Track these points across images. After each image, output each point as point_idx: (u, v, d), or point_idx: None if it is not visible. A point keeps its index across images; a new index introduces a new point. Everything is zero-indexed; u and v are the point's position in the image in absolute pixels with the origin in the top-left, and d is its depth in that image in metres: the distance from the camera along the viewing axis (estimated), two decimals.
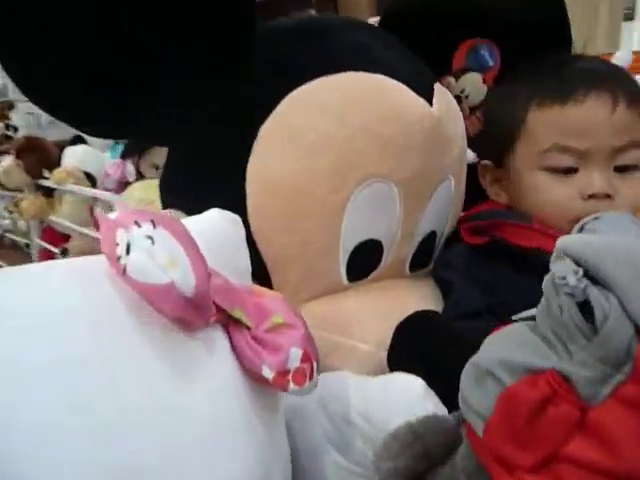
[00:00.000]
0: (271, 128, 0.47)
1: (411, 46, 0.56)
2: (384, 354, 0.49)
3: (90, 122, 0.49)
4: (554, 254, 0.33)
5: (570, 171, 0.51)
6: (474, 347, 0.48)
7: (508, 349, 0.31)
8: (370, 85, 0.47)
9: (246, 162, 0.48)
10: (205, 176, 0.51)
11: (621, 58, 1.11)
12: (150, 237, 0.28)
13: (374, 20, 1.04)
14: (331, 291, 0.52)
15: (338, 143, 0.46)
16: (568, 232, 0.51)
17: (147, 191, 1.40)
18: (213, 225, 0.44)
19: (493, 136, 0.58)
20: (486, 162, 0.58)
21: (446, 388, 0.47)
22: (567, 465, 0.27)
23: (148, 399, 0.29)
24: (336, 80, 0.47)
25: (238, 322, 0.35)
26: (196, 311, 0.30)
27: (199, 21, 0.46)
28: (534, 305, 0.52)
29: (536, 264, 0.50)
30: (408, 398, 0.41)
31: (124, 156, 1.78)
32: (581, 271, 0.28)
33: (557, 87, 0.52)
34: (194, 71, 0.49)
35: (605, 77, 0.53)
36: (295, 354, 0.35)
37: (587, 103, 0.50)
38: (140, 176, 1.74)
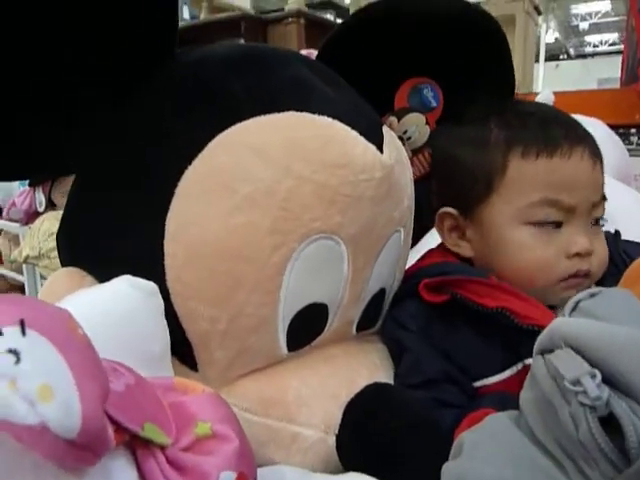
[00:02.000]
0: (196, 175, 0.39)
1: (350, 81, 0.50)
2: (333, 440, 0.42)
3: None
4: (547, 337, 0.28)
5: (556, 226, 0.48)
6: (438, 430, 0.42)
7: (504, 467, 0.25)
8: (316, 129, 0.40)
9: (164, 216, 0.39)
10: (114, 229, 0.42)
11: (546, 98, 1.13)
12: (14, 351, 0.19)
13: (306, 52, 0.99)
14: (268, 364, 0.44)
15: (280, 195, 0.39)
16: (545, 292, 0.48)
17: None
18: (123, 297, 0.35)
19: (457, 183, 0.53)
20: (449, 210, 0.53)
21: (404, 477, 0.40)
22: None
23: None
24: (277, 121, 0.40)
25: (149, 442, 0.26)
26: (84, 453, 0.21)
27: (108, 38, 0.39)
28: (495, 370, 0.48)
29: (499, 326, 0.46)
30: None
31: (33, 183, 1.59)
32: (599, 375, 0.22)
33: (541, 137, 0.48)
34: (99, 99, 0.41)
35: (581, 130, 0.51)
36: None
37: (573, 158, 0.48)
38: (51, 206, 1.57)
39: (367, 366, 0.47)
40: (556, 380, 0.24)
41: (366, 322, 0.50)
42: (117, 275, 0.36)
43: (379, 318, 0.52)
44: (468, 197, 0.52)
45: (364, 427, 0.41)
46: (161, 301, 0.37)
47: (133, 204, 0.41)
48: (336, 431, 0.42)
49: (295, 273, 0.41)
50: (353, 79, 0.51)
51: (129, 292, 0.35)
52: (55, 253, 0.49)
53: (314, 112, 0.41)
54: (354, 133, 0.41)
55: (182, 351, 0.41)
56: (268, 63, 0.45)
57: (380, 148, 0.43)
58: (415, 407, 0.42)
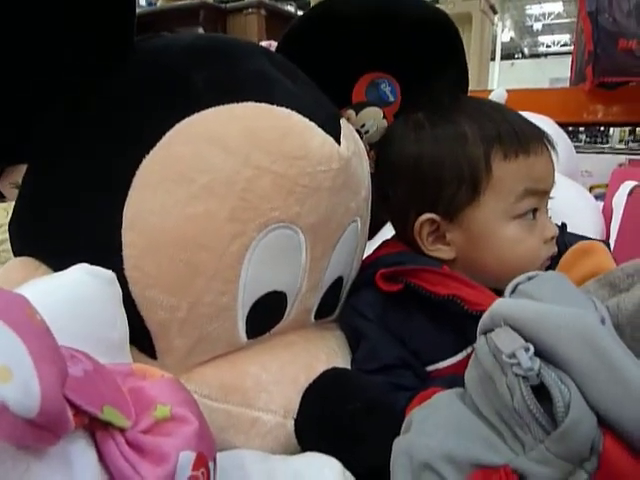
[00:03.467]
0: (154, 164, 0.39)
1: (309, 74, 0.51)
2: (291, 424, 0.43)
3: None
4: (488, 318, 0.29)
5: (534, 215, 0.52)
6: (393, 412, 0.43)
7: (447, 437, 0.27)
8: (275, 120, 0.41)
9: (122, 204, 0.39)
10: (70, 217, 0.41)
11: (498, 96, 1.17)
12: None
13: (266, 44, 0.99)
14: (228, 351, 0.45)
15: (239, 185, 0.40)
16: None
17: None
18: (80, 285, 0.35)
19: (438, 187, 0.52)
20: (431, 216, 0.52)
21: (362, 459, 0.42)
22: None
23: None
24: (236, 111, 0.41)
25: (108, 425, 0.27)
26: (43, 432, 0.21)
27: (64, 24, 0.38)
28: (447, 354, 0.50)
29: (450, 313, 0.48)
30: None
31: None
32: (532, 349, 0.24)
33: (515, 137, 0.51)
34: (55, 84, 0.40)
35: (538, 127, 0.55)
36: (186, 460, 0.28)
37: (543, 154, 0.52)
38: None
39: (325, 352, 0.48)
40: (495, 356, 0.26)
41: (324, 310, 0.51)
42: (73, 264, 0.36)
43: (337, 306, 0.54)
44: (453, 200, 0.51)
45: (322, 410, 0.43)
46: (119, 289, 0.37)
47: (90, 193, 0.41)
48: (295, 415, 0.43)
49: (254, 262, 0.42)
50: (312, 72, 0.52)
51: (86, 280, 0.35)
52: (5, 246, 0.48)
53: (274, 104, 0.42)
54: (312, 125, 0.42)
55: (141, 339, 0.41)
56: (231, 54, 0.46)
57: (338, 140, 0.44)
58: (371, 390, 0.44)
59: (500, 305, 0.28)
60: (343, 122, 0.47)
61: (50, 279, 0.35)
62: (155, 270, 0.40)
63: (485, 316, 0.30)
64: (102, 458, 0.27)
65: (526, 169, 0.51)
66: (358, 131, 0.65)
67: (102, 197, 0.40)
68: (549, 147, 0.54)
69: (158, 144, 0.40)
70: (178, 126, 0.40)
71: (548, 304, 0.26)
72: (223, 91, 0.41)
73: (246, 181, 0.40)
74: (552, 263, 0.55)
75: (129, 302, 0.40)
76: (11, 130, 0.43)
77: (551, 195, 0.55)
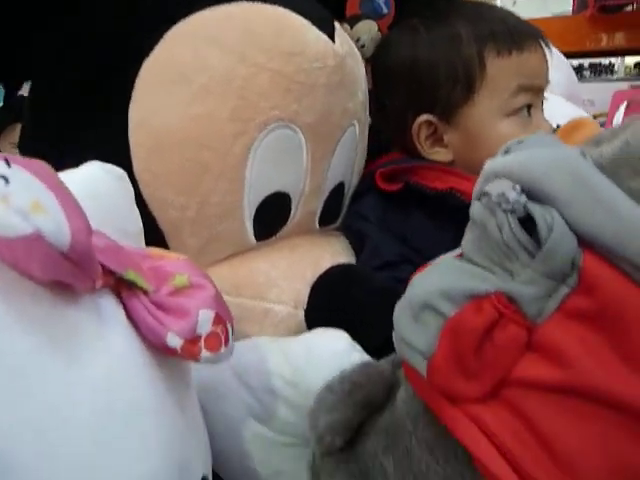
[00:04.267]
0: (154, 66, 0.41)
1: None
2: (302, 314, 0.46)
3: None
4: (482, 178, 0.31)
5: (529, 111, 0.52)
6: (399, 296, 0.46)
7: (444, 279, 0.29)
8: (270, 18, 0.42)
9: (127, 107, 0.41)
10: (78, 127, 0.43)
11: None
12: (2, 176, 0.21)
13: None
14: (238, 252, 0.47)
15: (236, 84, 0.41)
16: None
17: None
18: (93, 180, 0.37)
19: (433, 88, 0.53)
20: (429, 117, 0.53)
21: (371, 339, 0.44)
22: (517, 388, 0.25)
23: (22, 382, 0.22)
24: (231, 10, 0.42)
25: (133, 286, 0.29)
26: (76, 269, 0.23)
27: None
28: (449, 250, 0.53)
29: (449, 206, 0.50)
30: (334, 353, 0.38)
31: None
32: (519, 186, 0.26)
33: (508, 34, 0.52)
34: None
35: (532, 26, 0.55)
36: (206, 317, 0.30)
37: (537, 50, 0.53)
38: None
39: (330, 252, 0.51)
40: (486, 204, 0.28)
41: (328, 216, 0.53)
42: None
43: (340, 213, 0.56)
44: (449, 101, 0.53)
45: (330, 299, 0.45)
46: (130, 186, 0.39)
47: (96, 99, 0.42)
48: (304, 306, 0.46)
49: (257, 162, 0.43)
50: None
51: (100, 175, 0.37)
52: None
53: (267, 2, 0.43)
54: (307, 22, 0.43)
55: (155, 240, 0.44)
56: None
57: (332, 38, 0.45)
58: (375, 280, 0.46)
59: (489, 164, 0.30)
60: (337, 25, 0.48)
61: (64, 174, 0.37)
62: (163, 170, 0.42)
63: (477, 182, 0.31)
64: (129, 315, 0.29)
65: (519, 65, 0.52)
66: None
67: (108, 102, 0.41)
68: (543, 45, 0.54)
69: (157, 46, 0.41)
70: (175, 28, 0.41)
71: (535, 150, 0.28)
72: None
73: (243, 79, 0.41)
74: None
75: (141, 203, 0.42)
76: (11, 46, 0.44)
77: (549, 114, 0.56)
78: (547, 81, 0.55)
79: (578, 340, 0.24)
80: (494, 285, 0.26)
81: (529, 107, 0.53)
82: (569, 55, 1.53)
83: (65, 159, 0.44)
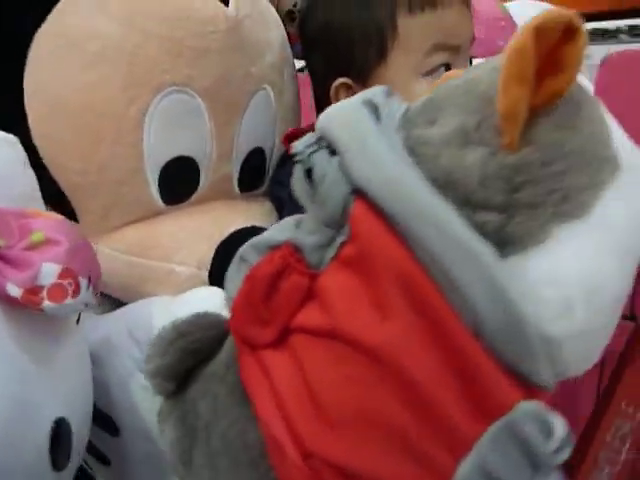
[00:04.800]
0: (47, 34, 0.42)
1: None
2: (206, 274, 0.47)
3: None
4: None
5: (447, 69, 0.50)
6: None
7: (267, 233, 0.30)
8: None
9: (21, 75, 0.42)
10: None
11: None
12: None
13: None
14: (148, 216, 0.49)
15: (127, 50, 0.42)
16: None
17: None
18: None
19: (348, 50, 0.52)
20: (345, 80, 0.53)
21: None
22: (298, 334, 0.26)
23: None
24: None
25: None
26: None
27: None
28: None
29: None
30: (209, 306, 0.39)
31: None
32: (311, 139, 0.27)
33: None
34: None
35: None
36: (49, 270, 0.32)
37: (453, 6, 0.51)
38: None
39: (245, 217, 0.52)
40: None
41: (248, 181, 0.54)
42: None
43: (263, 179, 0.56)
44: (363, 62, 0.52)
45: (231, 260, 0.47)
46: (20, 151, 0.41)
47: None
48: (208, 267, 0.47)
49: (154, 126, 0.45)
50: None
51: None
52: None
53: None
54: None
55: (61, 203, 0.46)
56: None
57: (225, 1, 0.45)
58: None
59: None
60: None
61: None
62: (61, 137, 0.44)
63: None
64: None
65: (434, 23, 0.50)
66: (291, 11, 0.65)
67: (1, 71, 0.43)
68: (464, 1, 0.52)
69: (49, 16, 0.42)
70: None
71: None
72: None
73: (134, 46, 0.42)
74: None
75: (42, 168, 0.44)
76: None
77: None
78: (468, 39, 0.53)
79: (341, 287, 0.24)
80: (287, 235, 0.27)
81: (447, 66, 0.52)
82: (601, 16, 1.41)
83: None
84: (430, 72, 0.51)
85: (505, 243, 0.22)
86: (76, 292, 0.33)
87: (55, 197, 0.45)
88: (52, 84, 0.42)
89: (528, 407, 0.21)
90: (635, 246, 0.22)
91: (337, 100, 0.54)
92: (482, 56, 1.24)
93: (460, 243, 0.21)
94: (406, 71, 0.51)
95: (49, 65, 0.42)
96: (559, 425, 0.21)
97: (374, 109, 0.26)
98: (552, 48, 0.21)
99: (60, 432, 0.34)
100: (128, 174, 0.46)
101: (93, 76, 0.42)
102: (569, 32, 0.21)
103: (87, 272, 0.35)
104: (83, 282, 0.34)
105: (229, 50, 0.45)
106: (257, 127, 0.52)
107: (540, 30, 0.20)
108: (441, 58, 0.51)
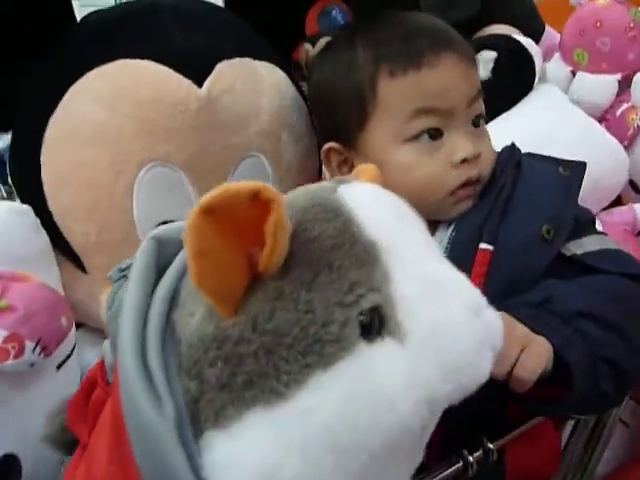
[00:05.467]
0: (58, 119, 0.50)
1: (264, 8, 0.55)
2: None
3: None
4: None
5: (436, 136, 0.47)
6: None
7: None
8: (134, 72, 0.48)
9: (39, 152, 0.51)
10: (20, 168, 0.55)
11: None
12: None
13: None
14: None
15: (112, 132, 0.48)
16: (437, 209, 0.47)
17: None
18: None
19: (334, 113, 0.51)
20: (332, 144, 0.52)
21: None
22: None
23: None
24: (107, 70, 0.49)
25: None
26: None
27: None
28: None
29: None
30: None
31: None
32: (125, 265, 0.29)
33: (405, 52, 0.47)
34: None
35: (446, 35, 0.49)
36: None
37: (441, 65, 0.47)
38: None
39: None
40: None
41: None
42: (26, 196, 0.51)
43: None
44: (347, 127, 0.50)
45: None
46: (30, 219, 0.50)
47: (25, 145, 0.54)
48: None
49: (142, 196, 0.50)
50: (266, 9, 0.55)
51: (3, 212, 0.49)
52: None
53: (143, 58, 0.48)
54: (170, 72, 0.48)
55: (74, 259, 0.54)
56: (133, 18, 0.53)
57: (200, 83, 0.48)
58: None
59: None
60: (227, 64, 0.50)
61: None
62: (66, 204, 0.51)
63: None
64: None
65: (416, 86, 0.47)
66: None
67: (29, 148, 0.52)
68: (460, 57, 0.48)
69: (59, 104, 0.50)
70: (73, 87, 0.50)
71: None
72: (101, 53, 0.49)
73: (117, 128, 0.48)
74: (490, 188, 0.49)
75: (56, 230, 0.52)
76: None
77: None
78: (465, 99, 0.48)
79: (104, 416, 0.26)
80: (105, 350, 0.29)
81: (438, 131, 0.47)
82: None
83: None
84: (413, 138, 0.47)
85: (201, 415, 0.21)
86: (18, 354, 0.40)
87: (70, 253, 0.54)
88: (57, 161, 0.51)
89: None
90: (353, 440, 0.19)
91: (329, 165, 0.53)
92: (608, 72, 1.09)
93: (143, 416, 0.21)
94: (387, 137, 0.48)
95: (56, 145, 0.50)
96: None
97: None
98: (256, 219, 0.20)
99: (7, 467, 0.41)
100: (123, 236, 0.52)
101: (87, 154, 0.49)
102: (261, 205, 0.19)
103: (38, 336, 0.41)
104: (29, 345, 0.41)
105: (202, 127, 0.49)
106: None
107: (210, 210, 0.19)
108: (424, 123, 0.47)
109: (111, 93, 0.48)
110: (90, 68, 0.49)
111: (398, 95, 0.47)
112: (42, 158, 0.51)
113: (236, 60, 0.52)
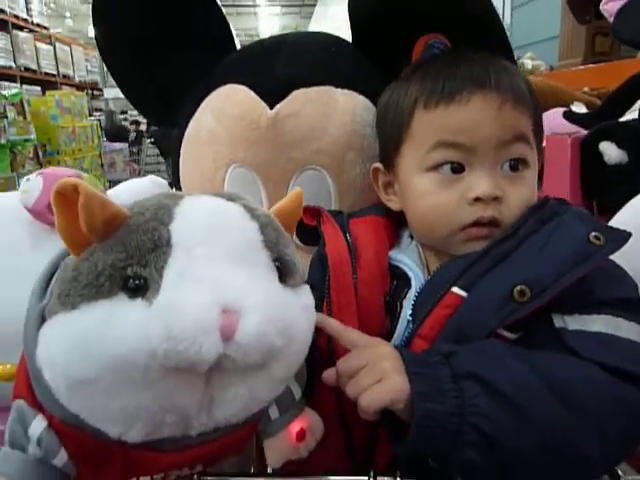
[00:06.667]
0: (193, 122, 0.69)
1: (374, 44, 0.66)
2: None
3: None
4: None
5: (457, 170, 0.49)
6: None
7: None
8: (234, 94, 0.63)
9: (181, 143, 0.71)
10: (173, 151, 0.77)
11: None
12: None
13: None
14: None
15: (215, 138, 0.65)
16: (448, 243, 0.49)
17: None
18: (142, 185, 0.71)
19: (383, 137, 0.58)
20: (377, 165, 0.58)
21: None
22: None
23: None
24: (222, 91, 0.66)
25: None
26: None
27: None
28: None
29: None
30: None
31: None
32: None
33: (442, 88, 0.50)
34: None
35: (491, 77, 0.50)
36: None
37: (472, 104, 0.49)
38: None
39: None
40: None
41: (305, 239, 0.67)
42: None
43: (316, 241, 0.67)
44: (388, 150, 0.56)
45: None
46: (166, 188, 0.71)
47: (176, 140, 0.74)
48: None
49: (229, 188, 0.66)
50: (382, 39, 0.65)
51: (147, 183, 0.71)
52: None
53: (241, 84, 0.63)
54: (254, 96, 0.61)
55: None
56: (265, 49, 0.69)
57: (272, 105, 0.60)
58: None
59: None
60: (302, 92, 0.61)
61: (128, 182, 0.72)
62: (187, 184, 0.71)
63: None
64: None
65: (443, 119, 0.49)
66: None
67: (178, 141, 0.73)
68: (499, 95, 0.49)
69: (197, 111, 0.69)
70: (204, 101, 0.68)
71: None
72: (221, 78, 0.66)
73: (218, 136, 0.65)
74: (512, 234, 0.48)
75: None
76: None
77: None
78: (490, 139, 0.48)
79: None
80: None
81: (459, 165, 0.49)
82: None
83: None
84: (432, 168, 0.50)
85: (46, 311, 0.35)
86: None
87: None
88: (187, 153, 0.70)
89: None
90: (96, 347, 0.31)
91: (376, 184, 0.59)
92: None
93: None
94: (413, 164, 0.52)
95: (188, 142, 0.70)
96: None
97: None
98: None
99: None
100: None
101: (202, 152, 0.67)
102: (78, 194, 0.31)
103: None
104: None
105: (269, 141, 0.61)
106: (306, 198, 0.64)
107: (58, 193, 0.31)
108: (444, 156, 0.49)
109: (219, 109, 0.65)
110: (215, 88, 0.67)
111: (426, 126, 0.51)
112: (182, 149, 0.72)
113: (314, 88, 0.62)
